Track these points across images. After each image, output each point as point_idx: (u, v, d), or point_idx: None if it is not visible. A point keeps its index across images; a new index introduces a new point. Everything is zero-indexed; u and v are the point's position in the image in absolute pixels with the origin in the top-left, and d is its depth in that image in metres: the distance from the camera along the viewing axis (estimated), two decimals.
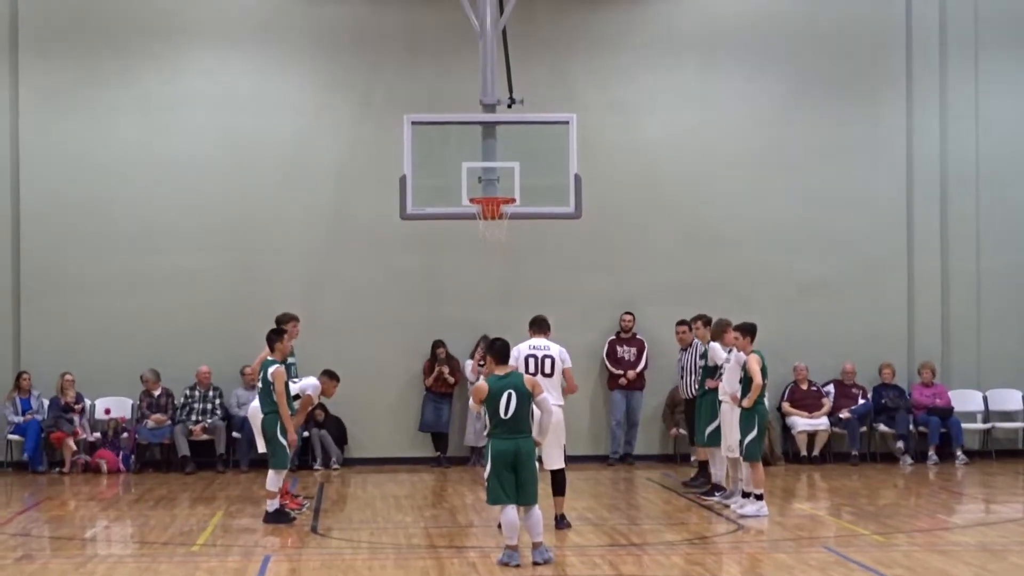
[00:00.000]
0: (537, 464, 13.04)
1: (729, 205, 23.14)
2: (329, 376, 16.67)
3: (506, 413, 12.77)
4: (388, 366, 22.63)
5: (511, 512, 12.74)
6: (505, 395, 12.81)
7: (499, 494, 12.74)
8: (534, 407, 13.07)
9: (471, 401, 13.01)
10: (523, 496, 12.78)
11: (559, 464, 15.07)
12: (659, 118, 23.25)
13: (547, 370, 15.00)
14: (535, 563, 12.73)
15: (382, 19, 22.88)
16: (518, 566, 12.62)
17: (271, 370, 15.61)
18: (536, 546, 12.87)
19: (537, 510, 12.88)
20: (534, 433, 13.08)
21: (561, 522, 15.10)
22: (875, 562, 12.76)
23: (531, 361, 14.99)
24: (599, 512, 16.73)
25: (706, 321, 18.16)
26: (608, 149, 22.50)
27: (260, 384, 15.82)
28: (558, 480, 15.11)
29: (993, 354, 23.47)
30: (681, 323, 19.51)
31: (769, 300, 22.55)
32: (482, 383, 12.92)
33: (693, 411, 18.55)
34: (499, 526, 13.16)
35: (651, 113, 23.25)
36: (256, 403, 16.04)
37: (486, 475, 12.83)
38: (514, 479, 12.72)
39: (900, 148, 23.42)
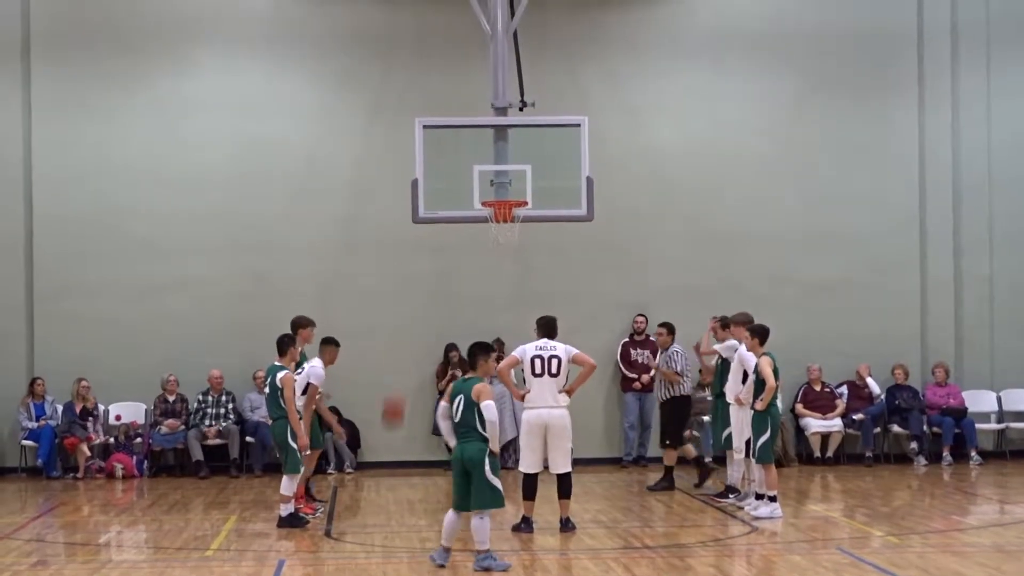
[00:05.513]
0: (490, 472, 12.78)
1: (741, 207, 23.13)
2: (327, 345, 16.61)
3: (456, 416, 13.00)
4: (401, 370, 22.59)
5: (450, 514, 13.01)
6: (458, 399, 12.98)
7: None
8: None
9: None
10: (462, 502, 12.89)
11: (565, 469, 15.09)
12: (671, 120, 23.24)
13: (553, 370, 15.06)
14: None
15: (393, 22, 22.89)
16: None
17: (280, 376, 15.55)
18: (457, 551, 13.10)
19: (473, 519, 12.84)
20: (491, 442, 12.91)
21: (566, 525, 15.12)
22: (889, 563, 12.74)
23: (537, 362, 15.06)
24: (612, 515, 16.73)
25: (724, 324, 18.13)
26: (620, 151, 22.49)
27: (267, 390, 15.82)
28: (564, 483, 15.15)
29: (1007, 354, 23.45)
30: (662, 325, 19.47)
31: (782, 301, 22.48)
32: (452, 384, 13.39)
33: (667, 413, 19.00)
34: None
35: (663, 115, 23.24)
36: None
37: None
38: (462, 484, 12.88)
39: (912, 149, 23.40)
